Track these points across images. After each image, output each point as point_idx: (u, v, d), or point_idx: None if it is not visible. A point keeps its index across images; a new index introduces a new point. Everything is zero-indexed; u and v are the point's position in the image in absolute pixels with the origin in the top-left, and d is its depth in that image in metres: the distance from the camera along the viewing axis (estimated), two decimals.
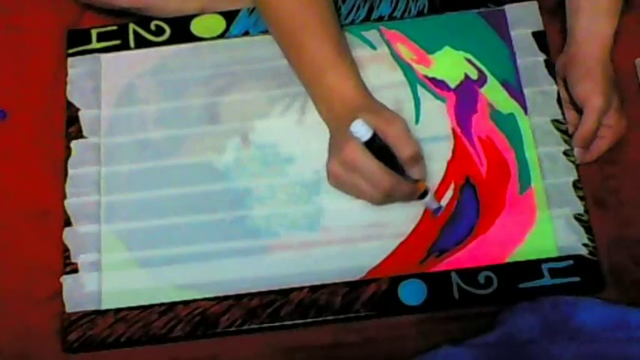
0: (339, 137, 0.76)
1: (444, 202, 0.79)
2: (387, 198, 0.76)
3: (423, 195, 0.77)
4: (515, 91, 0.83)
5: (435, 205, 0.78)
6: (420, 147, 0.76)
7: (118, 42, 0.87)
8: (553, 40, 0.85)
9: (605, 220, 0.79)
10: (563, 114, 0.81)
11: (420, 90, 0.84)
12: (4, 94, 0.88)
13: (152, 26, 0.88)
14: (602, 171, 0.81)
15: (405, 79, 0.84)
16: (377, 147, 0.73)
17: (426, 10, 0.87)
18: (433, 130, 0.82)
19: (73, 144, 0.83)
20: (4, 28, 0.91)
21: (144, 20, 0.88)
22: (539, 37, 0.85)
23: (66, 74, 0.86)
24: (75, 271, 0.78)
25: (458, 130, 0.82)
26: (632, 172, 0.81)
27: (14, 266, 0.80)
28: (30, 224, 0.82)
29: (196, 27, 0.88)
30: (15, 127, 0.86)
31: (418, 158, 0.76)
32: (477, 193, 0.79)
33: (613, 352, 0.64)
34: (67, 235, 0.80)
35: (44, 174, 0.83)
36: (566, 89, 0.81)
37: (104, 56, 0.87)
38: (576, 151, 0.80)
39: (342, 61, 0.78)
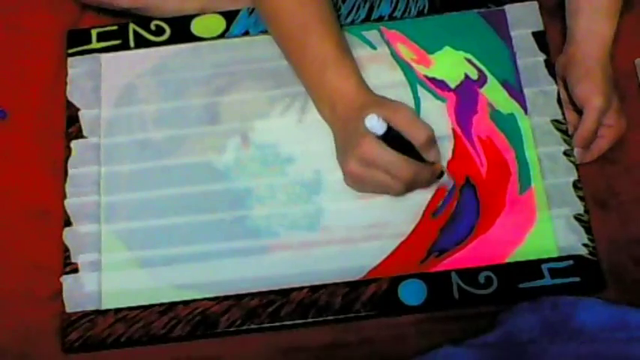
0: (349, 136, 0.76)
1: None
2: (409, 187, 0.76)
3: (439, 175, 0.78)
4: (515, 91, 0.83)
5: (451, 183, 0.79)
6: (432, 129, 0.76)
7: (118, 42, 0.87)
8: (553, 40, 0.85)
9: (605, 220, 0.79)
10: (563, 114, 0.81)
11: (420, 90, 0.84)
12: (4, 94, 0.88)
13: (152, 26, 0.88)
14: (602, 171, 0.81)
15: (405, 79, 0.84)
16: (391, 138, 0.73)
17: (426, 10, 0.87)
18: (433, 130, 0.81)
19: (73, 144, 0.83)
20: (4, 28, 0.91)
21: (144, 20, 0.88)
22: (539, 37, 0.85)
23: (66, 74, 0.86)
24: (75, 271, 0.78)
25: (458, 130, 0.82)
26: (632, 172, 0.81)
27: (14, 266, 0.80)
28: (30, 224, 0.82)
29: (196, 27, 0.88)
30: (15, 127, 0.86)
31: (432, 141, 0.76)
32: (477, 193, 0.79)
33: (613, 352, 0.64)
34: (67, 235, 0.80)
35: (44, 174, 0.83)
36: (566, 89, 0.81)
37: (104, 56, 0.87)
38: (576, 151, 0.80)
39: (342, 59, 0.78)
